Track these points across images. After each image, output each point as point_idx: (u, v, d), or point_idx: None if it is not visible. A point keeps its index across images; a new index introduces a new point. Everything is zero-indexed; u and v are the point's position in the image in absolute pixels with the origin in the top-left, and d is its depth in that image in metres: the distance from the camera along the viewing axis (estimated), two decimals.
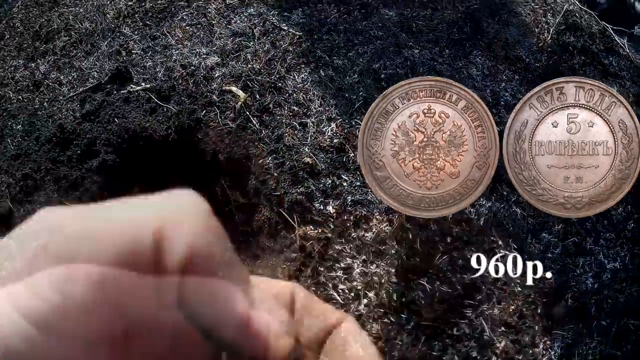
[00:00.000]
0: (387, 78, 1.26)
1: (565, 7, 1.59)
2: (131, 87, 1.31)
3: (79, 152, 1.27)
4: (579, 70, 1.45)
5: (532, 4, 1.61)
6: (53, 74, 1.47)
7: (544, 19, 1.57)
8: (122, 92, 1.30)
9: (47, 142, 1.31)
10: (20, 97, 1.46)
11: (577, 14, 1.59)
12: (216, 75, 1.29)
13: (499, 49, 1.43)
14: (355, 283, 1.10)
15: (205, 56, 1.33)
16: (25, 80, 1.50)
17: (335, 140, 1.17)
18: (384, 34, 1.37)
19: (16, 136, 1.39)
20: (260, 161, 1.15)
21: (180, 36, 1.40)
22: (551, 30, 1.52)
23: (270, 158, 1.15)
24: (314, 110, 1.22)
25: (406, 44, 1.35)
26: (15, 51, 1.59)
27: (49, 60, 1.50)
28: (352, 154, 1.16)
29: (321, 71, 1.29)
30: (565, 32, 1.53)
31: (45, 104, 1.41)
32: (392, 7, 1.45)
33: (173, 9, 1.48)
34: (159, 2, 1.50)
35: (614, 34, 1.48)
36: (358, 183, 1.14)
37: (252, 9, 1.44)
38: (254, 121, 1.20)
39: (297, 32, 1.36)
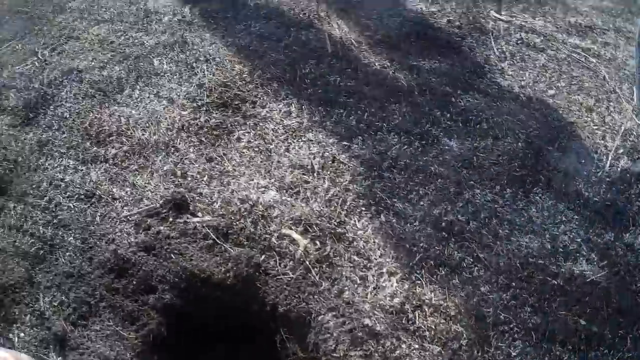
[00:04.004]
0: (448, 226, 1.24)
1: (622, 127, 1.55)
2: (187, 217, 1.30)
3: (134, 282, 1.27)
4: (635, 201, 1.41)
5: (592, 125, 1.57)
6: (105, 185, 1.45)
7: (602, 142, 1.53)
8: (178, 221, 1.29)
9: (101, 266, 1.31)
10: (71, 204, 1.45)
11: (634, 132, 1.56)
12: (274, 215, 1.27)
13: (559, 182, 1.39)
14: None
15: (263, 189, 1.32)
16: (75, 186, 1.49)
17: (395, 300, 1.16)
18: (444, 169, 1.35)
19: (68, 249, 1.38)
20: (319, 317, 1.15)
21: (238, 161, 1.38)
22: (610, 155, 1.49)
23: (330, 315, 1.15)
24: (375, 261, 1.21)
25: (467, 183, 1.33)
26: (65, 148, 1.57)
27: (101, 168, 1.49)
28: (411, 315, 1.15)
29: (382, 216, 1.27)
30: (623, 156, 1.49)
31: (97, 217, 1.40)
32: (453, 136, 1.42)
33: (229, 125, 1.46)
34: (214, 115, 1.48)
35: None
36: (416, 346, 1.13)
37: (310, 134, 1.41)
38: (313, 272, 1.19)
39: (357, 167, 1.34)
